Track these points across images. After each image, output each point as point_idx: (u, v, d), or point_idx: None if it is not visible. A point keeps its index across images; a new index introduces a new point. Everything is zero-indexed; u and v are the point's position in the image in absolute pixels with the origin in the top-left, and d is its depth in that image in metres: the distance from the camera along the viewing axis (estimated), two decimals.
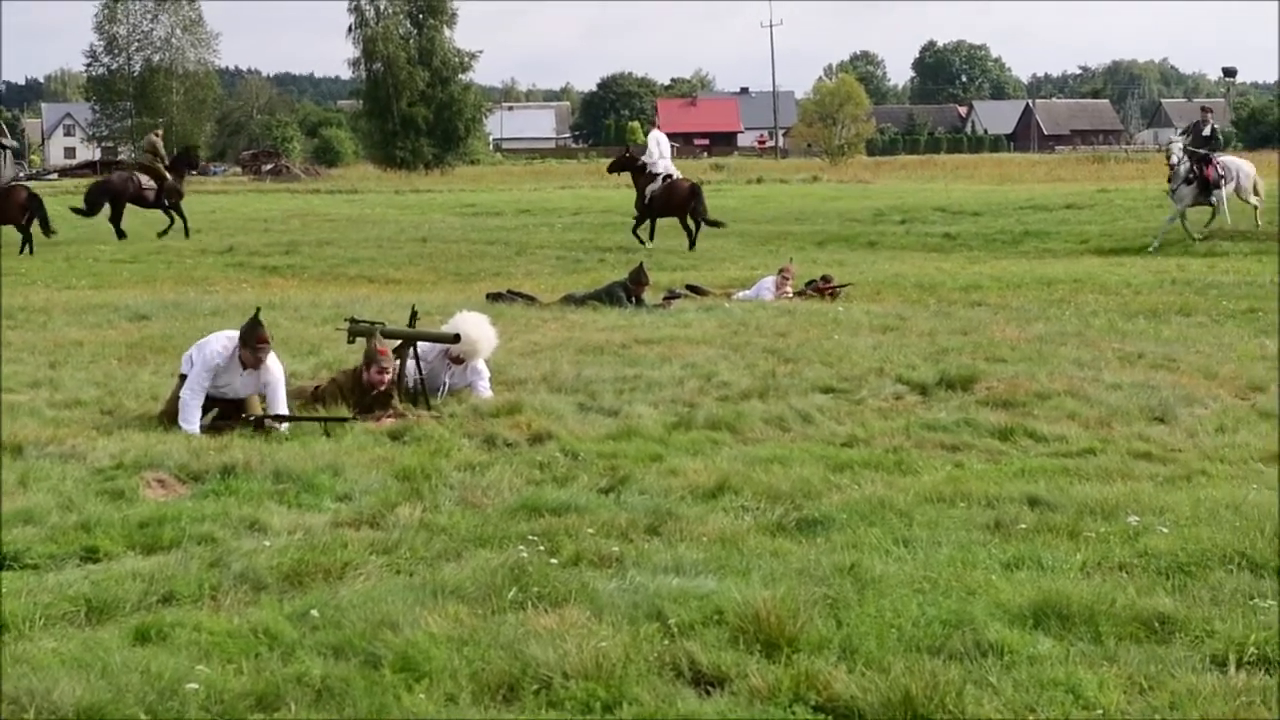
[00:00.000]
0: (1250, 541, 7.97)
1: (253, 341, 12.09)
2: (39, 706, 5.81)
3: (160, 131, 45.18)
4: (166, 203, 39.91)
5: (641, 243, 35.06)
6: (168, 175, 40.07)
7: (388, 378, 12.59)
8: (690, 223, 34.93)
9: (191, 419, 11.88)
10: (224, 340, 12.28)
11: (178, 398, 12.16)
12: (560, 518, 8.90)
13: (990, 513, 8.98)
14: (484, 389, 13.45)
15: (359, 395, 12.57)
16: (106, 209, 39.33)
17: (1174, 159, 32.64)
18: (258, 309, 12.74)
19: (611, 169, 40.96)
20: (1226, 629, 6.60)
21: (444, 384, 13.49)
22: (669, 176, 35.64)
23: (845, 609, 6.91)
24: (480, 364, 13.63)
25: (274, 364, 12.28)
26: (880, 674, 6.09)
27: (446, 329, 13.51)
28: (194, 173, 40.73)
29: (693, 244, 34.48)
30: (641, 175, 36.00)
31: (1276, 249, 28.56)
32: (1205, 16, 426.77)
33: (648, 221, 35.96)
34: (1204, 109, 36.23)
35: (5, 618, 6.90)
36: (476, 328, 13.46)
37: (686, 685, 6.14)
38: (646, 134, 39.37)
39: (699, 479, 9.91)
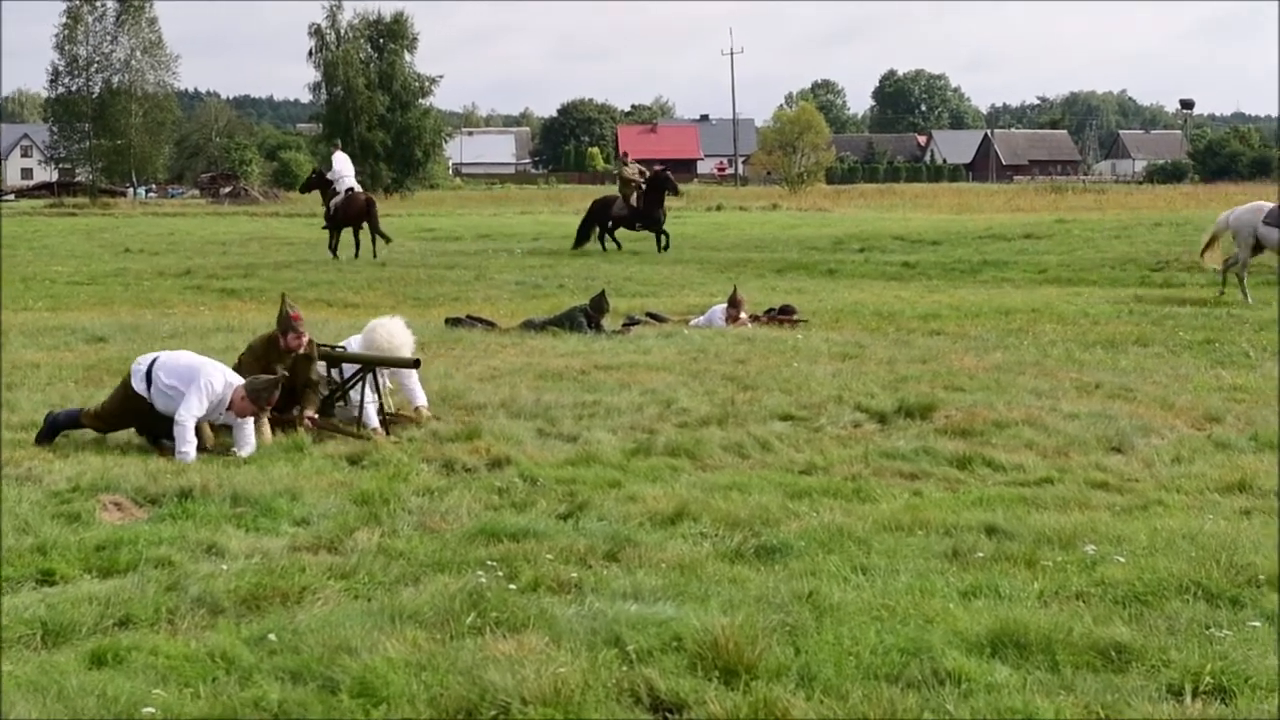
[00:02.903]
0: (1206, 571, 8.02)
1: (263, 400, 12.12)
2: None
3: (625, 158, 46.12)
4: (637, 225, 42.36)
5: (335, 256, 38.42)
6: (630, 200, 42.33)
7: (305, 340, 12.96)
8: (365, 235, 38.79)
9: (189, 429, 11.84)
10: (223, 381, 12.15)
11: (110, 408, 12.21)
12: (519, 543, 8.89)
13: (948, 541, 9.00)
14: (418, 394, 13.82)
15: (273, 360, 12.86)
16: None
17: None
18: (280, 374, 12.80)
19: (304, 189, 45.27)
20: (1183, 658, 6.63)
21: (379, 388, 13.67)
22: (350, 189, 39.32)
23: (803, 636, 6.91)
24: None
25: None
26: (838, 701, 6.11)
27: (363, 334, 13.92)
28: (674, 194, 43.81)
29: (364, 253, 38.35)
30: (328, 191, 39.70)
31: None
32: (1163, 49, 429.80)
33: (337, 234, 39.28)
34: None
35: None
36: (395, 333, 13.82)
37: (645, 711, 6.15)
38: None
39: (658, 505, 9.91)
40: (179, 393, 11.87)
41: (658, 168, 45.73)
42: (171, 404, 11.90)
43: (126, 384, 12.27)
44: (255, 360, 12.86)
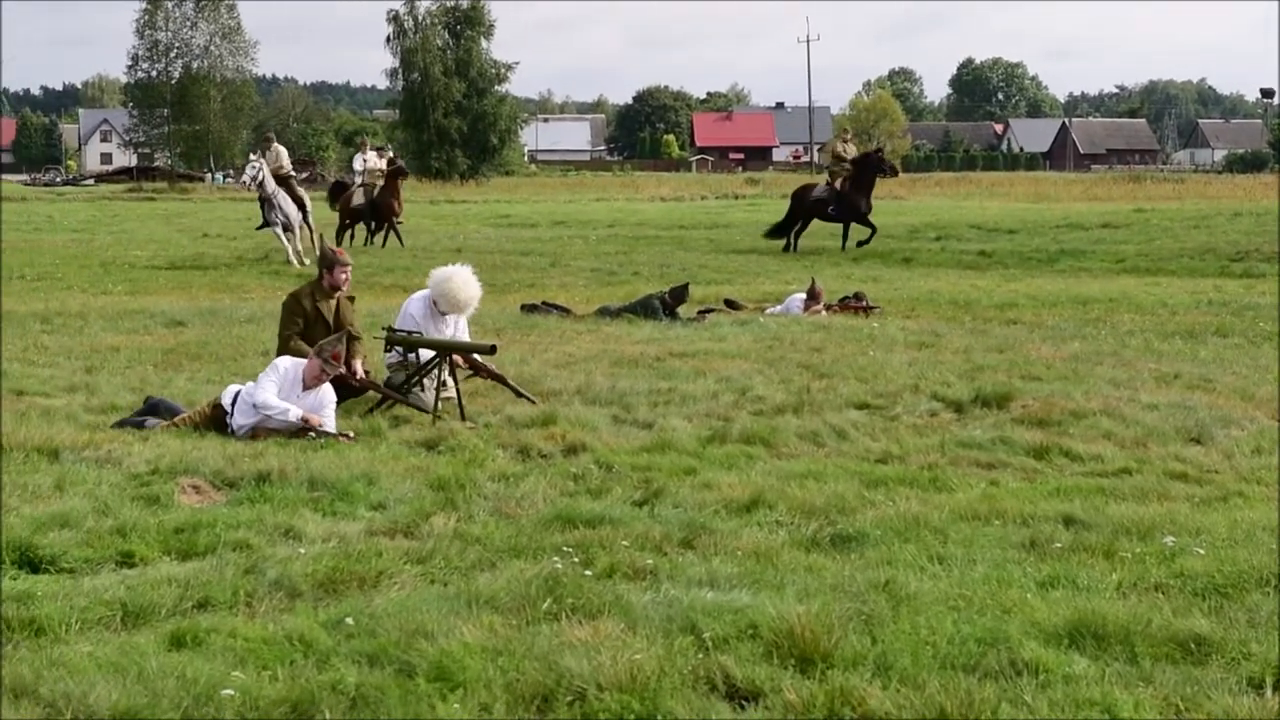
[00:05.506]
0: None
1: (327, 353, 12.22)
2: (75, 710, 5.83)
3: (845, 135, 42.75)
4: (832, 211, 38.39)
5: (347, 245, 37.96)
6: (835, 184, 38.37)
7: (348, 275, 13.41)
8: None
9: (276, 402, 12.01)
10: (291, 359, 12.40)
11: (202, 412, 12.28)
12: (594, 529, 8.89)
13: (1025, 531, 8.95)
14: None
15: (318, 302, 13.32)
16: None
17: None
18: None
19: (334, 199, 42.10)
20: (1263, 651, 6.56)
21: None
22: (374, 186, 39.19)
23: (880, 625, 6.88)
24: (463, 322, 14.26)
25: (328, 389, 12.36)
26: (915, 691, 6.07)
27: (432, 282, 13.96)
28: (888, 175, 40.14)
29: (374, 242, 39.11)
30: (344, 193, 39.71)
31: None
32: (1243, 38, 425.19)
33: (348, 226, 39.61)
34: None
35: (42, 621, 6.92)
36: (468, 284, 13.94)
37: (721, 699, 6.13)
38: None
39: (733, 493, 9.89)
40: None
41: (871, 148, 42.84)
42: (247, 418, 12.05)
43: (215, 404, 12.35)
44: (296, 312, 13.25)
